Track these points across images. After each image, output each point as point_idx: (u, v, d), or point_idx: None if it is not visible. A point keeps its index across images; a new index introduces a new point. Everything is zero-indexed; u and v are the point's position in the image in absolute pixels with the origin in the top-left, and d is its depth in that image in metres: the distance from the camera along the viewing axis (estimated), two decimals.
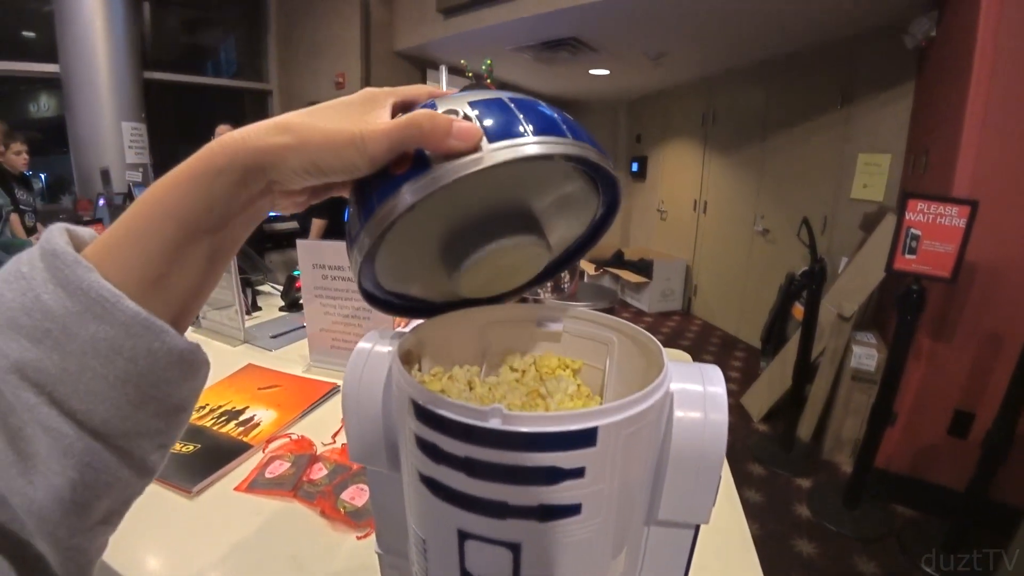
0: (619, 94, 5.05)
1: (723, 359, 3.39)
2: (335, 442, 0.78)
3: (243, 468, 0.71)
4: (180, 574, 0.53)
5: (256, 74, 4.43)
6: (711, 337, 3.88)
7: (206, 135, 3.38)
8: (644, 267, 4.42)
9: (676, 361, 0.31)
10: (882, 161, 2.50)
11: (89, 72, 3.08)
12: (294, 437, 0.77)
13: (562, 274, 0.86)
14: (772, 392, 2.48)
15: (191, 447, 0.73)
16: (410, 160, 0.25)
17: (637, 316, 4.37)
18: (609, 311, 0.88)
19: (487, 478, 0.24)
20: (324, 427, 0.82)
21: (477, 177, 0.23)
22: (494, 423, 0.23)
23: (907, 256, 1.50)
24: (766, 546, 1.59)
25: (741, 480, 2.02)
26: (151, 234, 0.21)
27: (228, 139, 0.22)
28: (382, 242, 0.27)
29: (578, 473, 0.24)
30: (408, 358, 0.34)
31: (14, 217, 2.14)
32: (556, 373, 0.38)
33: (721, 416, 0.27)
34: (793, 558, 1.63)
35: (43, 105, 3.52)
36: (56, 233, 0.21)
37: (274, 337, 1.20)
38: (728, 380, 2.69)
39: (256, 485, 0.67)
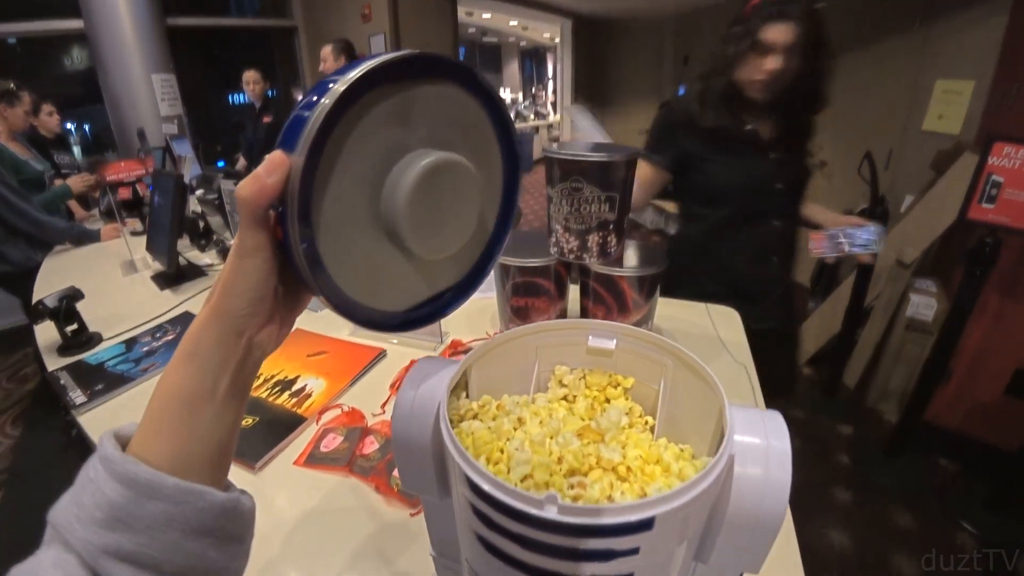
0: (663, 8, 4.62)
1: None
2: (384, 412, 0.81)
3: (299, 441, 0.75)
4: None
5: (279, 11, 4.27)
6: None
7: (235, 81, 3.35)
8: None
9: (737, 406, 0.29)
10: (964, 89, 2.22)
11: (113, 25, 3.04)
12: (345, 409, 0.81)
13: (608, 237, 0.83)
14: (819, 335, 2.41)
15: (250, 420, 0.78)
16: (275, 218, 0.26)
17: None
18: (658, 277, 0.85)
19: (540, 552, 0.24)
20: (372, 396, 0.85)
21: (336, 148, 0.26)
22: (549, 512, 0.22)
23: (984, 204, 1.36)
24: (800, 493, 1.60)
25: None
26: (167, 418, 0.27)
27: (194, 323, 0.28)
28: (318, 236, 0.27)
29: (633, 552, 0.23)
30: (455, 389, 0.34)
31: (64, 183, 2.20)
32: (607, 392, 0.37)
33: (784, 475, 0.26)
34: (827, 506, 1.65)
35: (76, 58, 3.54)
36: (106, 441, 0.26)
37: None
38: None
39: (313, 460, 0.71)
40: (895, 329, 1.99)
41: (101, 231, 1.86)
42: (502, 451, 0.30)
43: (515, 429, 0.32)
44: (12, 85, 2.08)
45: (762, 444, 0.27)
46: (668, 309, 1.11)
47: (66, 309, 1.03)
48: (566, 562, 0.24)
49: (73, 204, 2.23)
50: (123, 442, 0.27)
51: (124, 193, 1.97)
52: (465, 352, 0.96)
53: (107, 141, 3.41)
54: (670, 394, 0.35)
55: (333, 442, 0.74)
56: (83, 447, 0.77)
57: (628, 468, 0.29)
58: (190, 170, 1.82)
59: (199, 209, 1.66)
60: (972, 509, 1.56)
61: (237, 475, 0.68)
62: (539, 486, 0.27)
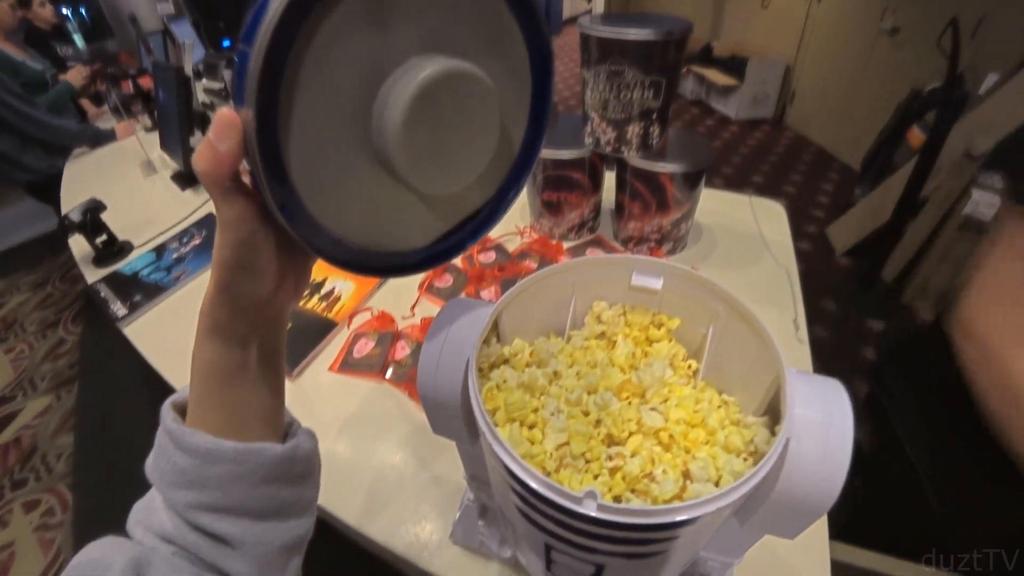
0: None
1: (814, 179, 3.07)
2: (414, 315, 0.81)
3: (332, 347, 0.76)
4: None
5: None
6: (803, 153, 3.46)
7: None
8: (736, 66, 3.80)
9: (796, 374, 0.25)
10: None
11: None
12: (375, 312, 0.80)
13: (650, 127, 0.75)
14: (864, 225, 2.27)
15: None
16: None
17: (721, 123, 3.93)
18: (701, 174, 0.78)
19: (577, 533, 0.23)
20: (402, 298, 0.85)
21: (298, 84, 0.20)
22: (588, 508, 0.20)
23: None
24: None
25: (811, 315, 1.99)
26: (209, 394, 0.27)
27: (206, 298, 0.26)
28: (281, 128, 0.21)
29: (671, 539, 0.22)
30: (488, 331, 0.31)
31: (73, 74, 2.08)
32: (649, 332, 0.34)
33: (844, 456, 0.23)
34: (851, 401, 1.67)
35: None
36: (167, 414, 0.28)
37: None
38: (816, 205, 2.47)
39: (347, 366, 0.72)
40: (947, 226, 1.85)
41: (116, 129, 1.80)
42: (536, 411, 0.28)
43: (550, 383, 0.30)
44: None
45: (822, 420, 0.24)
46: (710, 203, 1.03)
47: (92, 222, 1.03)
48: (603, 543, 0.22)
49: (85, 103, 2.15)
50: (180, 408, 0.29)
51: (128, 88, 1.87)
52: (495, 247, 0.93)
53: (106, 26, 3.20)
54: (719, 342, 0.32)
55: (365, 347, 0.75)
56: (135, 349, 0.81)
57: (671, 436, 0.26)
58: (192, 56, 1.69)
59: (207, 100, 1.57)
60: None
61: None
62: (575, 455, 0.25)
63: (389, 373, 0.70)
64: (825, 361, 1.75)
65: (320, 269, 0.92)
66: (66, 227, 1.02)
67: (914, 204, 1.89)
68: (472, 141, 0.26)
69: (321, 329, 0.79)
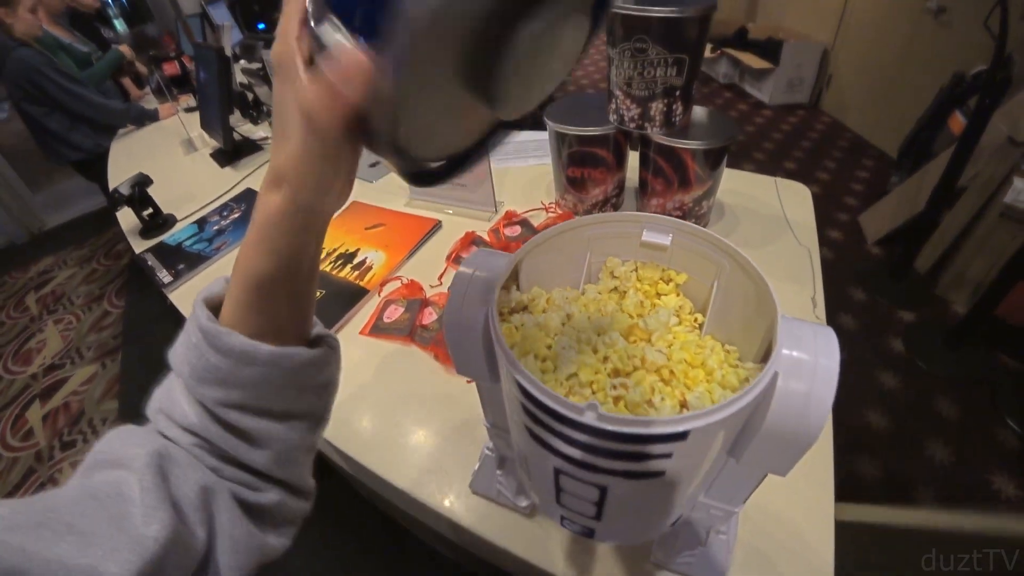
0: None
1: (848, 166, 2.98)
2: (441, 283, 0.85)
3: (364, 312, 0.81)
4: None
5: None
6: (838, 139, 3.36)
7: None
8: (771, 49, 3.68)
9: (789, 320, 0.27)
10: None
11: None
12: (404, 281, 0.84)
13: (673, 104, 0.76)
14: (898, 214, 2.21)
15: (318, 293, 0.84)
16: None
17: (754, 108, 3.84)
18: (723, 152, 0.78)
19: (581, 448, 0.25)
20: (430, 268, 0.88)
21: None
22: (589, 418, 0.23)
23: None
24: (848, 371, 1.60)
25: (838, 304, 1.96)
26: (250, 303, 0.28)
27: (262, 212, 0.26)
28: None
29: (666, 456, 0.24)
30: (507, 278, 0.34)
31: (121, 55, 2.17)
32: (658, 287, 0.36)
33: (827, 394, 0.25)
34: (872, 388, 1.65)
35: None
36: (200, 312, 0.28)
37: (372, 166, 1.23)
38: (849, 193, 2.41)
39: (377, 329, 0.77)
40: (986, 215, 1.79)
41: (159, 110, 1.88)
42: (550, 347, 0.31)
43: (563, 324, 0.33)
44: None
45: (809, 361, 0.26)
46: (733, 182, 1.04)
47: (140, 195, 1.09)
48: (604, 459, 0.25)
49: (128, 83, 2.24)
50: (212, 305, 0.30)
51: (170, 69, 1.94)
52: (520, 222, 0.96)
53: (145, 11, 3.30)
54: (723, 295, 0.34)
55: (395, 313, 0.79)
56: (177, 314, 0.86)
57: (672, 372, 0.29)
58: (231, 38, 1.75)
59: (245, 80, 1.63)
60: (1021, 409, 1.52)
61: None
62: (583, 384, 0.28)
63: (416, 337, 0.74)
64: (852, 350, 1.73)
65: (353, 240, 0.96)
66: (115, 201, 1.09)
67: (951, 192, 1.83)
68: (552, 67, 0.25)
69: (353, 296, 0.83)
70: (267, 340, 0.28)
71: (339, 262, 0.92)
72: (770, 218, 0.94)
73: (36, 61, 1.71)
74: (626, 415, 0.24)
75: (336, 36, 0.19)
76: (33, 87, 1.73)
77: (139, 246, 1.09)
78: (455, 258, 0.89)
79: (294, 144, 0.23)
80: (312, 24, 0.20)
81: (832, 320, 0.72)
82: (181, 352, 0.29)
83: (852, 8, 3.43)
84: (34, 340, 2.16)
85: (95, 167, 1.87)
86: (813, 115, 3.72)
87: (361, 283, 0.86)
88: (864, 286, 2.05)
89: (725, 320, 0.34)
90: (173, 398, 0.29)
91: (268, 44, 1.47)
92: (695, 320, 0.35)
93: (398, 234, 0.97)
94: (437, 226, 0.98)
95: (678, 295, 0.36)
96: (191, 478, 0.27)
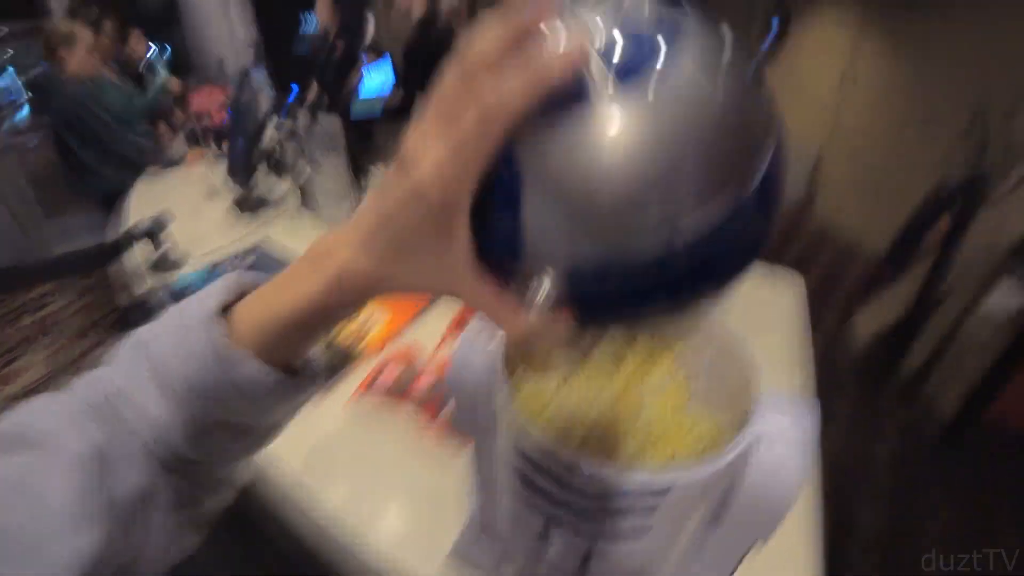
0: None
1: (839, 266, 3.09)
2: (440, 353, 0.86)
3: (360, 372, 0.82)
4: (308, 461, 0.66)
5: None
6: (829, 239, 3.50)
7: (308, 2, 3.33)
8: None
9: (771, 390, 0.30)
10: None
11: None
12: (404, 345, 0.86)
13: None
14: (888, 312, 2.27)
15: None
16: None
17: None
18: None
19: (572, 493, 0.27)
20: (430, 335, 0.90)
21: None
22: (582, 467, 0.25)
23: None
24: (839, 468, 1.57)
25: (831, 400, 1.96)
26: (276, 329, 0.25)
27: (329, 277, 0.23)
28: None
29: (650, 510, 0.26)
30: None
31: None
32: (653, 354, 0.39)
33: (802, 463, 0.27)
34: (866, 486, 1.62)
35: None
36: (213, 326, 0.24)
37: None
38: (840, 291, 2.45)
39: (372, 390, 0.78)
40: (973, 316, 1.85)
41: (188, 155, 1.99)
42: (547, 404, 0.33)
43: (563, 383, 0.35)
44: (96, 12, 2.19)
45: (787, 428, 0.28)
46: None
47: (156, 234, 1.14)
48: (592, 511, 0.27)
49: (163, 127, 2.38)
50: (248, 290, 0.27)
51: (207, 119, 2.07)
52: None
53: (186, 66, 3.54)
54: (712, 369, 0.36)
55: (391, 376, 0.80)
56: None
57: (661, 434, 0.31)
58: (266, 99, 1.88)
59: (275, 138, 1.73)
60: (1015, 520, 1.49)
61: None
62: (573, 440, 0.30)
63: (408, 401, 0.75)
64: (842, 448, 1.71)
65: None
66: (130, 236, 1.13)
67: (937, 294, 1.89)
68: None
69: (351, 355, 0.85)
70: (268, 359, 0.25)
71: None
72: (760, 303, 0.98)
73: (85, 97, 1.84)
74: (615, 467, 0.26)
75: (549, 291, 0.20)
76: (78, 120, 1.86)
77: (144, 285, 1.11)
78: (457, 326, 0.92)
79: (418, 277, 0.22)
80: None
81: (824, 416, 0.72)
82: (168, 348, 0.25)
83: (843, 116, 3.70)
84: (20, 362, 2.14)
85: (116, 202, 1.95)
86: (804, 212, 3.91)
87: (361, 343, 0.88)
88: (856, 383, 2.07)
89: (714, 391, 0.36)
90: (141, 384, 0.25)
91: (303, 106, 1.57)
92: (685, 390, 0.37)
93: (403, 300, 1.00)
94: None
95: (670, 365, 0.39)
96: (130, 480, 0.24)
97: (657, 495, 0.25)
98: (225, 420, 0.26)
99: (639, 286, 0.19)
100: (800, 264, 3.49)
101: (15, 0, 3.00)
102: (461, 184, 0.19)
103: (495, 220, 0.20)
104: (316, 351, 0.30)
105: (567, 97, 0.17)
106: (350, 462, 0.66)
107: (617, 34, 0.18)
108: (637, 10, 0.18)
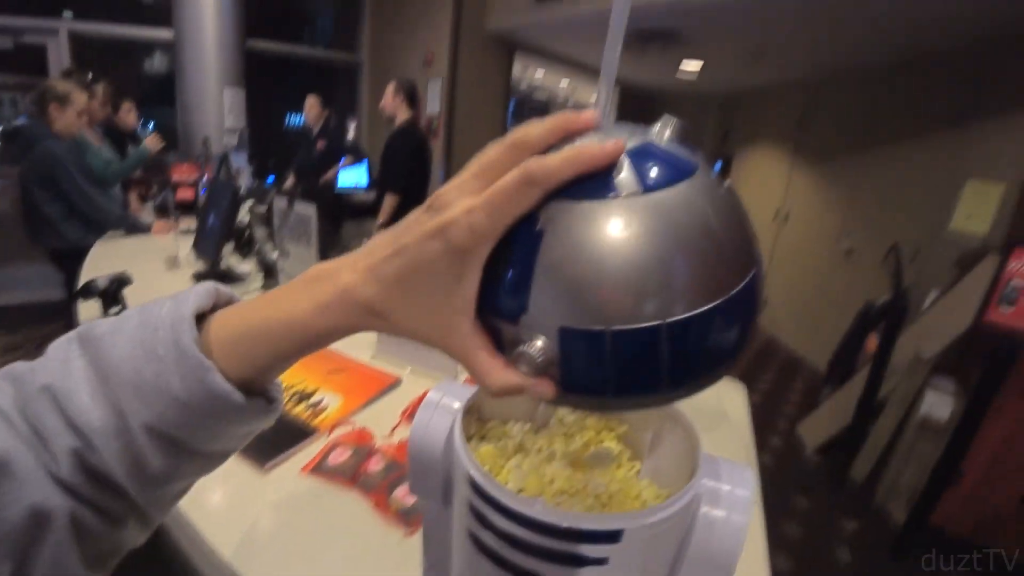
0: (711, 87, 4.81)
1: (784, 380, 3.25)
2: (392, 436, 0.85)
3: (309, 451, 0.79)
4: (245, 539, 0.62)
5: (349, 45, 4.58)
6: (774, 355, 3.72)
7: (296, 103, 3.60)
8: None
9: (711, 457, 0.32)
10: (993, 192, 2.25)
11: (199, 38, 3.36)
12: (356, 427, 0.85)
13: None
14: (831, 424, 2.37)
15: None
16: None
17: None
18: None
19: (523, 551, 0.28)
20: (384, 420, 0.89)
21: None
22: (537, 511, 0.26)
23: (1003, 308, 1.37)
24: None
25: (781, 511, 1.97)
26: (256, 345, 0.24)
27: (332, 302, 0.23)
28: None
29: (602, 561, 0.27)
30: (470, 409, 0.38)
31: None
32: (602, 435, 0.41)
33: (742, 519, 0.29)
34: None
35: (156, 63, 3.89)
36: (187, 328, 0.24)
37: None
38: (787, 403, 2.57)
39: (320, 469, 0.75)
40: (909, 426, 1.95)
41: (153, 225, 1.99)
42: (503, 468, 0.34)
43: (516, 452, 0.37)
44: (90, 76, 2.29)
45: (727, 490, 0.30)
46: None
47: (114, 292, 1.11)
48: (545, 563, 0.27)
49: (133, 196, 2.40)
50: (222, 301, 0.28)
51: (183, 194, 2.11)
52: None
53: (170, 142, 3.66)
54: (658, 444, 0.39)
55: (341, 456, 0.78)
56: None
57: (610, 496, 0.32)
58: (244, 181, 1.96)
59: (247, 219, 1.77)
60: None
61: (247, 473, 0.73)
62: (530, 495, 0.31)
63: (359, 483, 0.72)
64: (797, 559, 1.69)
65: (314, 380, 0.98)
66: (85, 291, 1.09)
67: (874, 404, 2.00)
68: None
69: (302, 433, 0.82)
70: (232, 380, 0.24)
71: (294, 398, 0.92)
72: (707, 410, 1.02)
73: (62, 155, 1.86)
74: (568, 512, 0.27)
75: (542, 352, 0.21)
76: (50, 176, 1.86)
77: None
78: (411, 414, 0.91)
79: (424, 326, 0.23)
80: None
81: (775, 528, 0.73)
82: (124, 347, 0.23)
83: (779, 244, 4.11)
84: None
85: (70, 260, 1.89)
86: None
87: (313, 422, 0.86)
88: (806, 494, 2.09)
89: (660, 467, 0.38)
90: (74, 383, 0.23)
91: (280, 193, 1.64)
92: (632, 466, 0.39)
93: (358, 383, 0.99)
94: (397, 383, 1.01)
95: (618, 443, 0.41)
96: (23, 498, 0.21)
97: (608, 540, 0.26)
98: (163, 432, 0.23)
99: (623, 365, 0.20)
100: (747, 376, 3.64)
101: (26, 57, 3.19)
102: (487, 233, 0.20)
103: (505, 277, 0.21)
104: (276, 385, 0.29)
105: (596, 186, 0.20)
106: (290, 542, 0.62)
107: (647, 151, 0.21)
108: (661, 139, 0.22)
